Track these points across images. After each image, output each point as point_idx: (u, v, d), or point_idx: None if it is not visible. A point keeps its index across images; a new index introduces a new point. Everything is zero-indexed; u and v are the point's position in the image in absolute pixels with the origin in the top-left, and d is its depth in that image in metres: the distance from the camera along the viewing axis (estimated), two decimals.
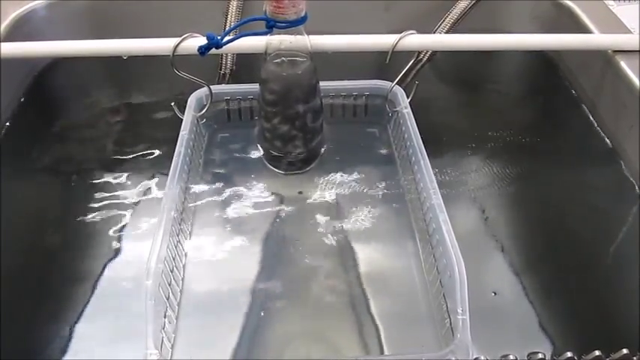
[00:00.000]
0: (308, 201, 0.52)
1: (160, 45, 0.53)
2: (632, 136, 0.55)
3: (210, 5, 0.67)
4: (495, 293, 0.45)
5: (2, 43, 0.55)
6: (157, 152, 0.58)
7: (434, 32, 0.64)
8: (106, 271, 0.47)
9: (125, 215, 0.51)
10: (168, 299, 0.42)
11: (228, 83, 0.64)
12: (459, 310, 0.38)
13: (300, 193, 0.53)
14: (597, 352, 0.38)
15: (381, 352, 0.42)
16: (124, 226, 0.50)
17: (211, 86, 0.54)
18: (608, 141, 0.58)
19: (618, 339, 0.42)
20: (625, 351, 0.38)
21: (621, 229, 0.51)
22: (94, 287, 0.46)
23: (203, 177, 0.54)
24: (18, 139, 0.59)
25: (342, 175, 0.54)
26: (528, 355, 0.39)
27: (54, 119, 0.62)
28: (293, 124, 0.51)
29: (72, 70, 0.68)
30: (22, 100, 0.63)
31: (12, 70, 0.59)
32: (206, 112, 0.55)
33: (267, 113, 0.51)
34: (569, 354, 0.38)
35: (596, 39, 0.60)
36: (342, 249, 0.48)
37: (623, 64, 0.57)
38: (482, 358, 0.38)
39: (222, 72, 0.65)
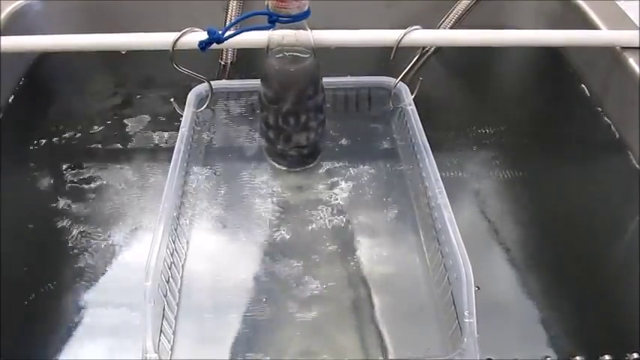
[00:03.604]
0: (310, 197, 0.51)
1: (160, 40, 0.53)
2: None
3: (211, 2, 0.67)
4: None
5: (0, 37, 0.54)
6: (156, 149, 0.57)
7: (438, 28, 0.63)
8: (104, 269, 0.46)
9: (123, 212, 0.51)
10: (167, 300, 0.41)
11: (229, 75, 0.64)
12: (466, 313, 0.37)
13: (303, 189, 0.52)
14: (607, 357, 0.37)
15: (385, 353, 0.41)
16: (121, 224, 0.49)
17: (212, 82, 0.54)
18: (617, 136, 0.57)
19: (626, 341, 0.41)
20: (636, 355, 0.38)
21: (630, 226, 0.50)
22: (91, 286, 0.45)
23: (203, 174, 0.53)
24: (14, 130, 0.58)
25: (344, 171, 0.54)
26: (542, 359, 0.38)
27: (49, 110, 0.62)
28: (295, 120, 0.50)
29: (68, 60, 0.67)
30: (17, 89, 0.63)
31: (7, 60, 0.58)
32: (206, 107, 0.55)
33: (269, 109, 0.50)
34: (578, 358, 0.37)
35: (603, 35, 0.60)
36: (344, 247, 0.48)
37: (631, 61, 0.56)
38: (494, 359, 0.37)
39: (222, 63, 0.64)
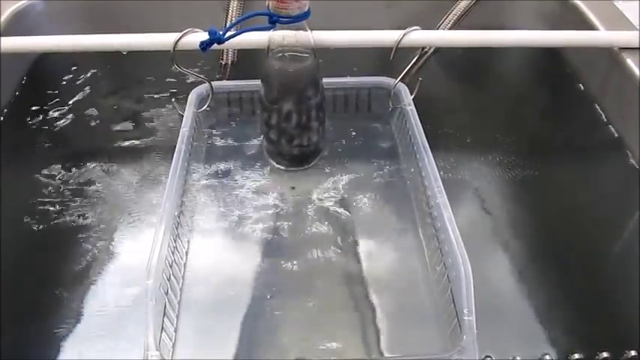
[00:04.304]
0: (310, 197, 0.52)
1: (161, 40, 0.53)
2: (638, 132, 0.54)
3: (211, 2, 0.67)
4: None
5: (2, 38, 0.55)
6: (157, 148, 0.57)
7: (437, 29, 0.63)
8: (105, 267, 0.46)
9: (124, 211, 0.51)
10: (168, 298, 0.42)
11: (229, 75, 0.64)
12: (465, 311, 0.37)
13: (303, 188, 0.52)
14: (605, 354, 0.38)
15: (385, 352, 0.41)
16: (122, 223, 0.50)
17: (212, 82, 0.54)
18: (616, 135, 0.58)
19: (624, 339, 0.41)
20: (633, 353, 0.38)
21: (629, 225, 0.50)
22: (92, 285, 0.45)
23: (204, 173, 0.54)
24: (14, 129, 0.59)
25: (344, 171, 0.54)
26: (540, 358, 0.38)
27: (50, 110, 0.62)
28: (295, 120, 0.50)
29: (69, 60, 0.67)
30: (18, 89, 0.63)
31: (8, 59, 0.58)
32: (207, 107, 0.55)
33: (269, 109, 0.50)
34: (576, 356, 0.38)
35: (603, 36, 0.60)
36: (344, 245, 0.48)
37: (629, 61, 0.56)
38: (494, 358, 0.37)
39: (223, 63, 0.65)
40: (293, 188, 0.52)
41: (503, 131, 0.60)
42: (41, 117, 0.61)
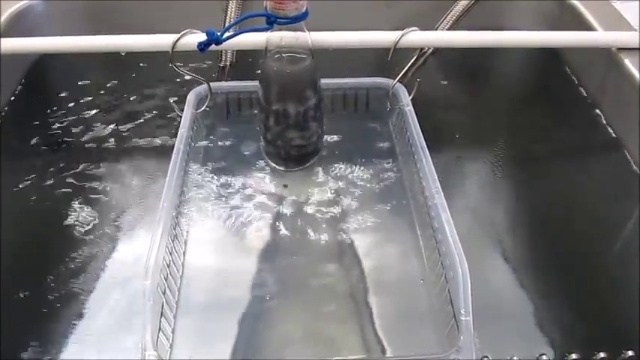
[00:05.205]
0: (308, 197, 0.52)
1: (159, 41, 0.53)
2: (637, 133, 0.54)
3: (210, 2, 0.67)
4: None
5: (2, 39, 0.55)
6: (156, 149, 0.57)
7: (436, 30, 0.64)
8: (103, 268, 0.46)
9: (123, 211, 0.51)
10: (166, 298, 0.42)
11: (228, 76, 0.64)
12: (462, 312, 0.37)
13: (301, 189, 0.52)
14: (603, 354, 0.38)
15: (383, 352, 0.41)
16: (121, 223, 0.50)
17: (211, 83, 0.54)
18: (614, 136, 0.58)
19: (622, 339, 0.41)
20: (630, 353, 0.38)
21: (627, 226, 0.50)
22: (90, 284, 0.45)
23: (202, 174, 0.54)
24: (14, 129, 0.59)
25: (342, 171, 0.54)
26: (537, 358, 0.38)
27: (49, 110, 0.62)
28: (293, 121, 0.50)
29: (68, 60, 0.67)
30: (18, 89, 0.63)
31: (8, 60, 0.58)
32: (205, 108, 0.55)
33: (267, 110, 0.50)
34: (574, 356, 0.38)
35: (600, 36, 0.60)
36: (342, 246, 0.48)
37: (627, 62, 0.56)
38: (491, 358, 0.37)
39: (221, 64, 0.65)
40: (288, 188, 0.52)
41: (502, 132, 0.60)
42: (41, 117, 0.61)
